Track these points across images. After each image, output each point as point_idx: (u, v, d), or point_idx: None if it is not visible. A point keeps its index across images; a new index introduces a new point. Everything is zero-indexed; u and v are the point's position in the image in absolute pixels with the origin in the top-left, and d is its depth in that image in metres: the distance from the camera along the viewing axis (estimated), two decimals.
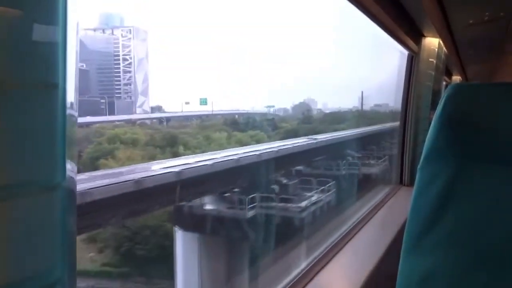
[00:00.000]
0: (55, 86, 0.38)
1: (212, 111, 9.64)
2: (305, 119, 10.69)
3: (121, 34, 9.23)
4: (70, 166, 0.41)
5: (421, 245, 0.75)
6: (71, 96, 0.41)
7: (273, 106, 10.35)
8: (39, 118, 0.37)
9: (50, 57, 0.38)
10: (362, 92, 9.40)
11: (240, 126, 9.48)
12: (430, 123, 0.79)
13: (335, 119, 10.73)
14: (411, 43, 2.76)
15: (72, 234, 0.43)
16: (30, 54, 0.36)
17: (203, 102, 9.57)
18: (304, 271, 1.58)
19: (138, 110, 9.21)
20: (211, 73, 10.71)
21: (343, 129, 9.94)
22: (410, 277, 0.75)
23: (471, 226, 0.71)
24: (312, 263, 1.66)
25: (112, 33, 9.23)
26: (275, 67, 10.18)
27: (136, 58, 9.27)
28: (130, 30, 9.23)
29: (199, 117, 9.59)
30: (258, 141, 8.89)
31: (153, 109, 9.42)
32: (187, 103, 9.63)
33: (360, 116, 9.96)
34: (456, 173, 0.73)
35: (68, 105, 0.41)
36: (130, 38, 9.27)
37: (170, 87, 10.80)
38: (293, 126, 10.16)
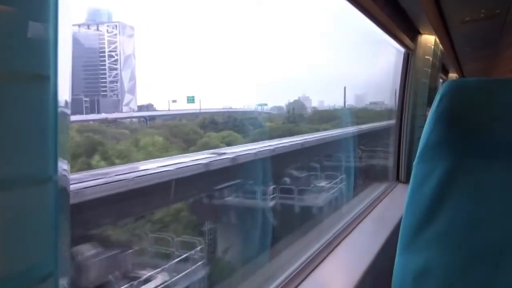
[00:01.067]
0: (44, 80, 0.38)
1: (200, 109, 9.48)
2: (290, 118, 10.27)
3: (107, 30, 9.05)
4: (63, 164, 0.42)
5: (416, 241, 0.74)
6: (64, 94, 0.42)
7: (266, 104, 9.99)
8: (28, 112, 0.37)
9: (40, 52, 0.38)
10: (344, 88, 9.25)
11: (219, 125, 8.86)
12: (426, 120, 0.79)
13: (323, 118, 10.43)
14: (407, 40, 2.78)
15: (65, 230, 0.43)
16: (20, 49, 0.36)
17: (190, 100, 9.37)
18: (300, 268, 1.57)
19: (125, 108, 9.04)
20: (202, 70, 10.49)
21: (324, 129, 9.15)
22: (406, 273, 0.75)
23: (467, 222, 0.70)
24: (308, 260, 1.65)
25: (98, 29, 9.04)
26: (271, 64, 9.95)
27: (123, 55, 9.11)
28: (116, 25, 9.05)
29: (183, 116, 9.38)
30: (230, 143, 7.75)
31: (142, 108, 9.21)
32: (174, 101, 9.41)
33: (345, 114, 9.77)
34: (451, 169, 0.72)
35: (62, 103, 0.41)
36: (116, 34, 9.08)
37: (158, 84, 10.58)
38: (278, 125, 9.67)
